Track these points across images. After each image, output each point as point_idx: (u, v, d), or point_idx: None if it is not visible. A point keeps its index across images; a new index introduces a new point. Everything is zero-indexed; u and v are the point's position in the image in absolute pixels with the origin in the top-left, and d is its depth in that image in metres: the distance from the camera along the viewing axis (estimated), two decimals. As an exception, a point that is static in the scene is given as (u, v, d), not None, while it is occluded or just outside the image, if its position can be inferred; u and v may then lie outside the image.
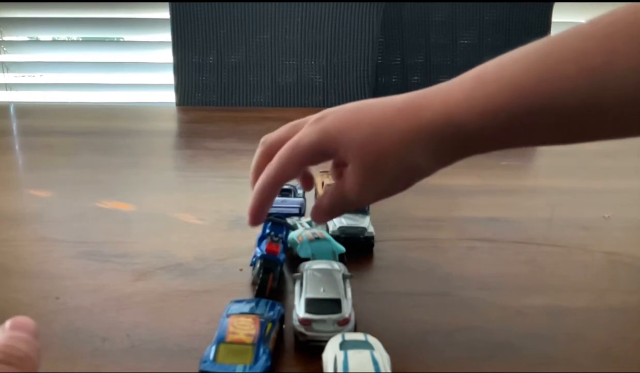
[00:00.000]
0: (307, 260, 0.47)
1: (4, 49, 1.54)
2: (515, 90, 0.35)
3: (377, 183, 0.41)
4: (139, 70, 1.59)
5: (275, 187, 0.42)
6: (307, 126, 0.42)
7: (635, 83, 0.32)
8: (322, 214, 0.44)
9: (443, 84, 0.39)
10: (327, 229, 0.54)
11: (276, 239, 0.47)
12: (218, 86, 1.16)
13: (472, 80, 0.37)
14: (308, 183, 0.48)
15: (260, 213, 0.42)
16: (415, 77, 1.17)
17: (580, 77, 0.33)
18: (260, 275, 0.44)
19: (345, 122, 0.41)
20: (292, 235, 0.50)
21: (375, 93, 1.15)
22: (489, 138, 0.37)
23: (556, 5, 1.15)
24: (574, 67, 0.33)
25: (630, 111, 0.33)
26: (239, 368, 0.34)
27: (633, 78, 0.32)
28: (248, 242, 0.54)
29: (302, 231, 0.50)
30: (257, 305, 0.39)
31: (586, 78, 0.33)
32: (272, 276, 0.44)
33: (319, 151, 0.41)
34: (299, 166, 0.43)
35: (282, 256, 0.46)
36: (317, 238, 0.49)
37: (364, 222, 0.53)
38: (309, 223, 0.52)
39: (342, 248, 0.48)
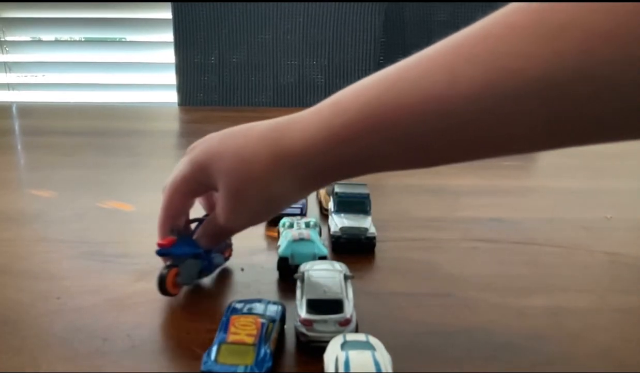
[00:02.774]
0: (286, 259, 0.47)
1: (7, 49, 1.54)
2: (369, 118, 0.34)
3: (243, 211, 0.41)
4: (141, 70, 1.59)
5: (166, 223, 0.45)
6: (181, 160, 0.44)
7: (478, 109, 0.30)
8: (201, 239, 0.45)
9: (306, 111, 0.38)
10: (329, 230, 0.54)
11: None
12: (220, 86, 1.16)
13: (330, 107, 0.37)
14: (211, 206, 0.48)
15: (163, 245, 0.44)
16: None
17: (426, 104, 0.32)
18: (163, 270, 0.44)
19: (212, 151, 0.42)
20: (283, 233, 0.51)
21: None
22: (349, 166, 0.37)
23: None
24: (420, 93, 0.32)
25: (476, 134, 0.32)
26: (240, 368, 0.34)
27: (475, 104, 0.30)
28: (249, 242, 0.54)
29: (294, 230, 0.50)
30: (258, 305, 0.39)
31: (430, 105, 0.32)
32: (177, 271, 0.44)
33: (194, 181, 0.43)
34: (182, 199, 0.45)
35: (182, 249, 0.45)
36: (301, 239, 0.49)
37: (366, 222, 0.53)
38: (307, 223, 0.52)
39: (324, 251, 0.48)
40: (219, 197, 0.42)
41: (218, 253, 0.48)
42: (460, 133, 0.32)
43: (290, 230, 0.50)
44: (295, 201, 0.42)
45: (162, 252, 0.44)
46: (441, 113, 0.32)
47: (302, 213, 0.58)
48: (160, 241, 0.44)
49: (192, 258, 0.45)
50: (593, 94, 0.28)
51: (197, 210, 0.48)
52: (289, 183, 0.39)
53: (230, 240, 0.50)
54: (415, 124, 0.33)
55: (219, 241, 0.47)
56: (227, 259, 0.50)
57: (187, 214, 0.47)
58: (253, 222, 0.44)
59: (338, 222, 0.53)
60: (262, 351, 0.35)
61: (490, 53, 0.30)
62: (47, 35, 1.59)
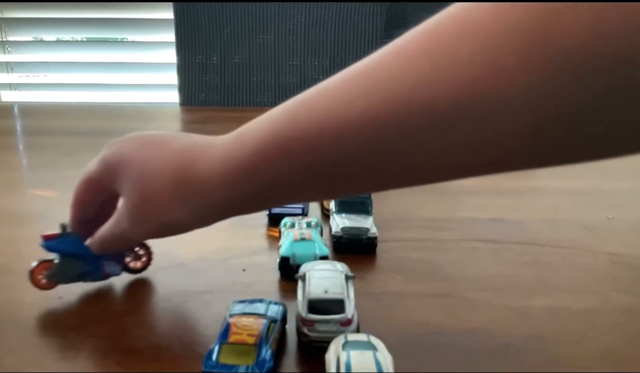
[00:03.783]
0: (287, 259, 0.47)
1: (8, 49, 1.54)
2: (269, 151, 0.33)
3: (141, 228, 0.40)
4: (143, 70, 1.59)
5: (76, 220, 0.44)
6: (97, 157, 0.42)
7: (372, 138, 0.30)
8: (94, 242, 0.43)
9: (224, 137, 0.37)
10: (331, 230, 0.54)
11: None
12: (221, 87, 1.16)
13: (234, 139, 0.36)
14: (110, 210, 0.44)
15: (46, 238, 0.43)
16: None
17: (322, 134, 0.31)
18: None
19: (123, 155, 0.40)
20: (285, 233, 0.51)
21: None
22: (254, 200, 0.36)
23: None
24: (317, 125, 0.31)
25: (375, 164, 0.31)
26: (242, 368, 0.34)
27: (370, 134, 0.30)
28: (251, 242, 0.54)
29: (296, 230, 0.50)
30: (259, 305, 0.39)
31: (326, 135, 0.31)
32: (47, 266, 0.43)
33: (99, 181, 0.41)
34: (89, 197, 0.43)
35: (61, 246, 0.44)
36: (303, 239, 0.49)
37: (367, 223, 0.53)
38: (308, 223, 0.52)
39: (325, 251, 0.48)
40: (121, 204, 0.40)
41: (112, 262, 0.46)
42: (361, 164, 0.31)
43: (291, 230, 0.50)
44: (197, 228, 0.40)
45: (43, 245, 0.44)
46: (338, 144, 0.31)
47: (304, 213, 0.58)
48: (44, 234, 0.43)
49: (71, 258, 0.44)
50: (483, 118, 0.27)
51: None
52: (190, 212, 0.38)
53: (143, 248, 0.47)
54: (315, 155, 0.32)
55: (112, 248, 0.44)
56: (143, 268, 0.48)
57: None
58: (154, 237, 0.42)
59: (339, 222, 0.53)
60: (264, 351, 0.35)
61: (383, 81, 0.29)
62: (49, 36, 1.59)
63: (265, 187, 0.35)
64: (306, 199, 0.36)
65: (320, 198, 0.36)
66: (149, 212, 0.39)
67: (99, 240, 0.43)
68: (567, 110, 0.26)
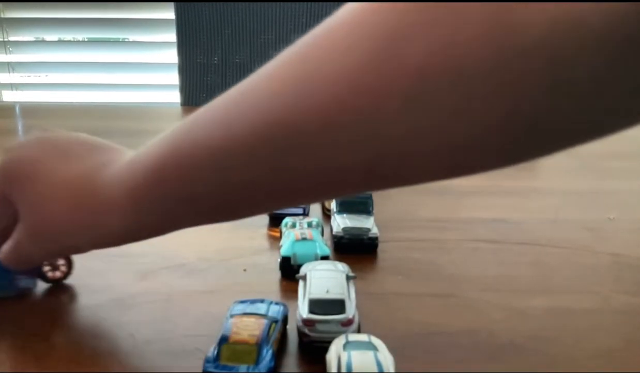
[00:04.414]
0: (288, 259, 0.47)
1: (10, 49, 1.55)
2: (155, 179, 0.33)
3: (41, 248, 0.39)
4: (144, 70, 1.59)
5: None
6: None
7: (252, 161, 0.29)
8: (2, 259, 0.41)
9: (117, 159, 0.37)
10: (332, 230, 0.54)
11: None
12: (223, 87, 1.16)
13: (126, 166, 0.35)
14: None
15: None
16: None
17: (205, 159, 0.31)
18: None
19: (21, 168, 0.38)
20: (286, 233, 0.51)
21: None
22: (147, 228, 0.36)
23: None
24: (198, 150, 0.31)
25: (259, 188, 0.31)
26: (243, 368, 0.34)
27: (249, 157, 0.29)
28: (251, 242, 0.54)
29: (297, 230, 0.50)
30: (260, 305, 0.39)
31: (208, 160, 0.31)
32: None
33: None
34: None
35: None
36: (304, 239, 0.49)
37: (368, 223, 0.53)
38: (309, 223, 0.52)
39: (326, 251, 0.48)
40: (19, 222, 0.38)
41: (24, 276, 0.44)
42: (245, 188, 0.31)
43: (292, 230, 0.50)
44: (94, 249, 0.40)
45: None
46: (219, 167, 0.31)
47: (305, 213, 0.58)
48: None
49: None
50: (354, 142, 0.27)
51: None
52: (87, 239, 0.38)
53: (65, 260, 0.45)
54: (198, 180, 0.32)
55: (21, 266, 0.41)
56: (63, 277, 0.46)
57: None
58: (58, 257, 0.42)
59: (340, 222, 0.53)
60: (265, 351, 0.35)
61: (257, 105, 0.29)
62: (51, 36, 1.59)
63: (159, 213, 0.34)
64: (206, 222, 0.36)
65: (218, 220, 0.36)
66: (47, 234, 0.38)
67: (4, 256, 0.41)
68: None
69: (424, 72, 0.24)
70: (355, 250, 0.52)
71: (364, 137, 0.26)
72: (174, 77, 1.20)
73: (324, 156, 0.28)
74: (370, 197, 0.55)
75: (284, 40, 1.18)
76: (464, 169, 0.29)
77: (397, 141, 0.26)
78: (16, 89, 1.59)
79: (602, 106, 0.25)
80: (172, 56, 1.20)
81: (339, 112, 0.26)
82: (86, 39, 1.61)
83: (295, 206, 0.32)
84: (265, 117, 0.28)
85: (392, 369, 0.32)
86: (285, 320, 0.40)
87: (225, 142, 0.30)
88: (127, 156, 0.37)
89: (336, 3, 0.28)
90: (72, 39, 1.60)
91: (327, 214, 0.60)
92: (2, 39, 1.51)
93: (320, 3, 1.10)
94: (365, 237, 0.52)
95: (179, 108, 1.19)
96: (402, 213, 0.62)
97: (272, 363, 0.34)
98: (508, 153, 0.28)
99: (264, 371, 0.34)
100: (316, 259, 0.46)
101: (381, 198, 0.58)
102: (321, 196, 0.32)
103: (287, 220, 0.53)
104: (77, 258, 0.51)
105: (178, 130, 0.33)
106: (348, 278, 0.42)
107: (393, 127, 0.26)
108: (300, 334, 0.38)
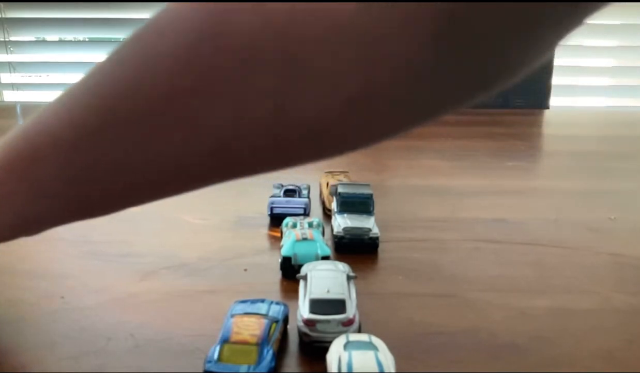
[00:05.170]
0: (289, 259, 0.47)
1: (11, 49, 1.54)
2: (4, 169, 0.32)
3: None
4: (145, 70, 1.59)
5: None
6: None
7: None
8: None
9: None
10: (332, 230, 0.54)
11: None
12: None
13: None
14: None
15: None
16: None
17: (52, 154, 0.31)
18: None
19: None
20: (286, 233, 0.51)
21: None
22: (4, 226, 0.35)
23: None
24: (45, 139, 0.31)
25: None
26: (243, 368, 0.34)
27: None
28: (252, 242, 0.54)
29: (297, 229, 0.50)
30: (261, 305, 0.39)
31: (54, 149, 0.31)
32: None
33: None
34: None
35: None
36: (305, 239, 0.48)
37: (369, 223, 0.53)
38: (310, 223, 0.52)
39: (327, 251, 0.48)
40: None
41: None
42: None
43: (293, 230, 0.50)
44: None
45: None
46: (64, 155, 0.31)
47: (306, 213, 0.58)
48: None
49: None
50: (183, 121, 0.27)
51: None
52: None
53: None
54: (45, 170, 0.32)
55: None
56: None
57: None
58: None
59: (341, 222, 0.53)
60: (265, 351, 0.35)
61: (92, 88, 0.30)
62: (52, 36, 1.59)
63: (9, 216, 0.34)
64: (76, 218, 0.36)
65: (82, 218, 0.36)
66: None
67: None
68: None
69: (246, 52, 0.25)
70: (356, 250, 0.52)
71: (196, 118, 0.27)
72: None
73: (164, 139, 0.28)
74: (371, 197, 0.55)
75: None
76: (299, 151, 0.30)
77: (225, 123, 0.27)
78: (17, 89, 1.59)
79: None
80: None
81: (171, 92, 0.27)
82: (87, 39, 1.60)
83: (150, 200, 0.32)
84: (101, 101, 0.29)
85: (392, 369, 0.32)
86: (285, 320, 0.39)
87: (67, 129, 0.30)
88: None
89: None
90: (73, 39, 1.60)
91: (327, 214, 0.60)
92: (3, 39, 1.51)
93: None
94: (366, 237, 0.52)
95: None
96: (403, 213, 0.62)
97: (273, 363, 0.34)
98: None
99: (265, 371, 0.34)
100: (317, 259, 0.46)
101: (382, 198, 0.58)
102: (173, 184, 0.32)
103: (288, 220, 0.53)
104: (77, 258, 0.51)
105: (31, 119, 0.33)
106: (349, 278, 0.42)
107: (219, 109, 0.26)
108: (301, 334, 0.38)
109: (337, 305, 0.38)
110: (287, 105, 0.26)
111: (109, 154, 0.30)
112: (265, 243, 0.55)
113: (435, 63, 0.25)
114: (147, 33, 0.28)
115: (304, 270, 0.43)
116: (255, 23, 0.24)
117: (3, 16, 1.50)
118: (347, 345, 0.34)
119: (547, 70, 1.17)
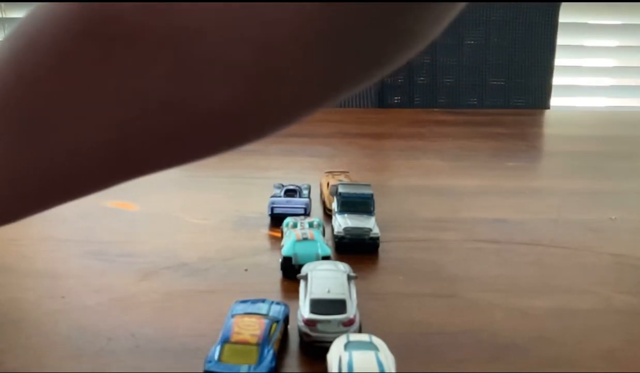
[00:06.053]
0: (289, 259, 0.47)
1: (11, 49, 1.55)
2: None
3: None
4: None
5: None
6: None
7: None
8: None
9: None
10: (333, 230, 0.54)
11: None
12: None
13: None
14: None
15: None
16: (421, 78, 1.17)
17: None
18: None
19: None
20: (287, 233, 0.51)
21: (380, 93, 1.15)
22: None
23: (563, 5, 1.15)
24: None
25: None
26: (244, 368, 0.34)
27: None
28: (253, 242, 0.54)
29: (298, 229, 0.50)
30: (262, 305, 0.39)
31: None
32: None
33: None
34: None
35: None
36: (305, 239, 0.48)
37: (369, 223, 0.53)
38: (311, 223, 0.52)
39: (327, 251, 0.48)
40: None
41: None
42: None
43: (293, 230, 0.50)
44: None
45: None
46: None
47: (306, 213, 0.58)
48: None
49: None
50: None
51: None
52: None
53: None
54: None
55: None
56: None
57: None
58: None
59: (341, 222, 0.53)
60: (266, 351, 0.35)
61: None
62: (52, 35, 1.59)
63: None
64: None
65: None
66: None
67: None
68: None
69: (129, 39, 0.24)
70: (356, 250, 0.52)
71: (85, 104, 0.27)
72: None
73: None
74: (372, 197, 0.55)
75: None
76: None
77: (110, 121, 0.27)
78: (17, 89, 1.59)
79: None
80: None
81: (59, 78, 0.27)
82: (87, 39, 1.61)
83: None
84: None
85: (393, 369, 0.32)
86: (286, 320, 0.39)
87: None
88: None
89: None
90: (73, 39, 1.61)
91: (328, 214, 0.60)
92: (2, 39, 1.51)
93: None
94: (366, 237, 0.52)
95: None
96: (403, 213, 0.62)
97: (273, 363, 0.34)
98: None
99: (265, 371, 0.34)
100: (317, 259, 0.46)
101: (382, 198, 0.58)
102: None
103: (288, 220, 0.53)
104: (77, 258, 0.51)
105: None
106: (349, 278, 0.42)
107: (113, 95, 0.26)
108: (302, 334, 0.38)
109: (338, 305, 0.38)
110: (179, 93, 0.26)
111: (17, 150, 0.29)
112: (265, 243, 0.55)
113: (328, 32, 0.25)
114: (27, 27, 0.29)
115: (304, 270, 0.43)
116: (139, 8, 0.24)
117: (3, 16, 1.50)
118: (348, 345, 0.34)
119: (547, 70, 1.17)
